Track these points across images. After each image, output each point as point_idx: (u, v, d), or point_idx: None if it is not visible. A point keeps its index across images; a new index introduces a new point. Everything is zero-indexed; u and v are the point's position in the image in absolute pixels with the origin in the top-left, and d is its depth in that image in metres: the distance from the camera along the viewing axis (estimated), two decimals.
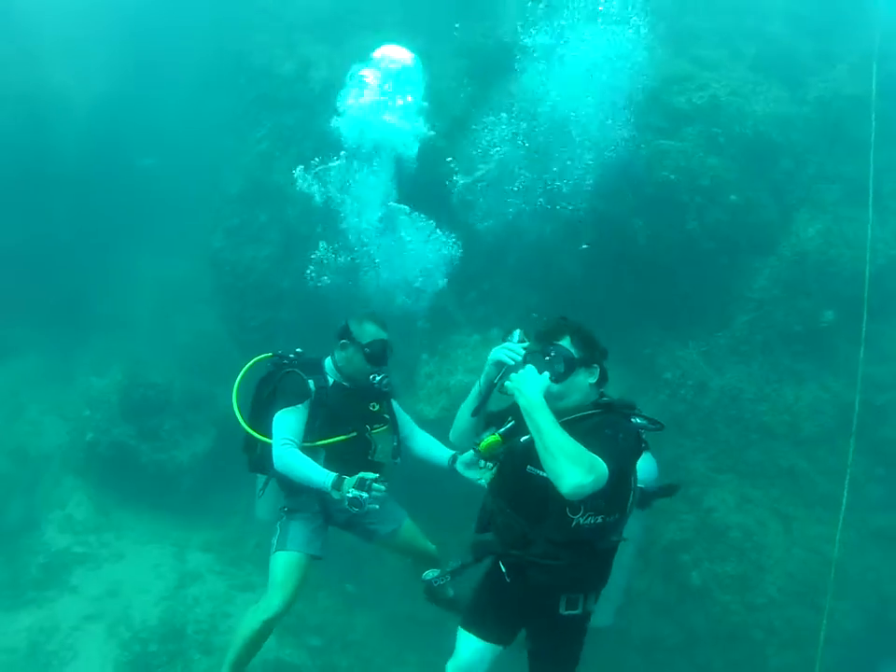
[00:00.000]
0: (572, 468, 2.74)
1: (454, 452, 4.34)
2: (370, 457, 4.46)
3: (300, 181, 7.35)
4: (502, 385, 3.19)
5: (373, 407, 4.47)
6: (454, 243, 7.12)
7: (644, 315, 7.24)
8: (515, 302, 7.52)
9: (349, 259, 7.17)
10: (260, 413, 4.34)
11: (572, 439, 2.84)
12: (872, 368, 7.18)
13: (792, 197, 7.76)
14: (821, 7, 9.67)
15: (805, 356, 7.35)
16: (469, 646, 3.64)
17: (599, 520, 3.08)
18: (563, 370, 3.16)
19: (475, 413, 3.42)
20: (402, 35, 7.61)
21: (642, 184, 7.16)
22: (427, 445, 4.64)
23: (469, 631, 3.65)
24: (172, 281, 11.24)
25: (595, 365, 3.28)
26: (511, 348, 3.27)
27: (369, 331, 4.33)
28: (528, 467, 3.16)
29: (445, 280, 7.19)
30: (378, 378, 4.30)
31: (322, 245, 7.31)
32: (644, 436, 3.21)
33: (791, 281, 7.34)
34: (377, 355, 4.30)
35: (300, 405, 4.16)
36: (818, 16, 9.64)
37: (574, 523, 3.05)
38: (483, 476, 3.58)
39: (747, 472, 7.22)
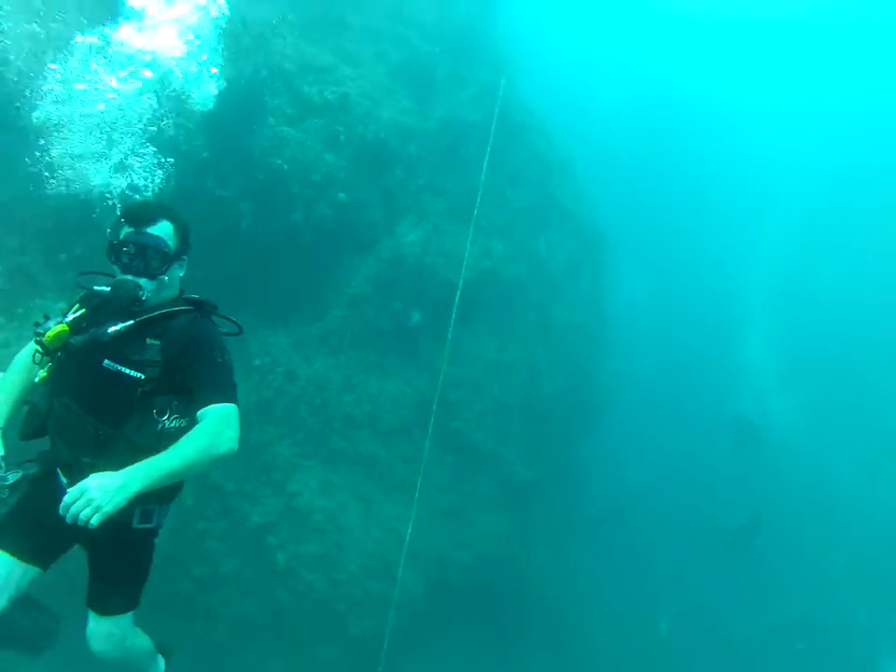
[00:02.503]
0: (216, 452, 2.84)
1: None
2: None
3: None
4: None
5: None
6: None
7: (239, 299, 7.63)
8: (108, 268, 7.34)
9: None
10: None
11: (184, 448, 2.80)
12: (450, 368, 8.53)
13: (400, 203, 8.85)
14: (463, 32, 11.10)
15: (392, 352, 8.47)
16: (4, 566, 3.17)
17: (184, 423, 3.01)
18: (157, 263, 3.05)
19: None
20: None
21: (254, 168, 7.57)
22: None
23: (6, 550, 3.16)
24: None
25: (185, 256, 3.20)
26: None
27: None
28: (105, 361, 2.97)
29: None
30: None
31: None
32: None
33: (386, 281, 8.40)
34: None
35: None
36: (459, 38, 11.04)
37: (161, 425, 2.97)
38: None
39: (330, 458, 8.10)
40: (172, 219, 3.14)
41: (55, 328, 3.05)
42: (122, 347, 2.96)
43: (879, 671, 12.33)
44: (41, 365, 3.17)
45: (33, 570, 3.21)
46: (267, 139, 7.87)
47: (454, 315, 7.53)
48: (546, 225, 10.37)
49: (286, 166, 7.75)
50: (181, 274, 3.21)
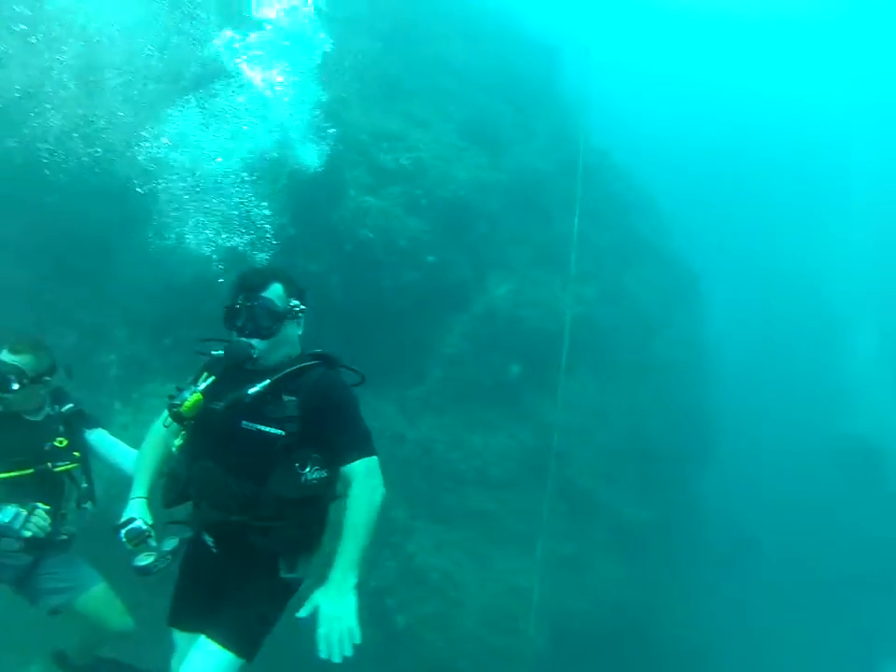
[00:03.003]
0: (377, 505, 3.01)
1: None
2: (71, 501, 4.19)
3: None
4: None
5: (60, 443, 4.18)
6: None
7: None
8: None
9: None
10: None
11: (357, 520, 2.96)
12: (555, 416, 8.45)
13: (487, 258, 8.95)
14: (525, 84, 11.32)
15: (494, 406, 8.45)
16: (186, 646, 3.37)
17: (325, 473, 3.14)
18: (267, 323, 3.16)
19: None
20: None
21: (341, 240, 7.79)
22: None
23: (182, 629, 3.42)
24: None
25: (301, 313, 3.28)
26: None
27: None
28: (243, 422, 3.10)
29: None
30: None
31: None
32: None
33: (482, 337, 8.46)
34: None
35: None
36: (521, 90, 11.26)
37: (304, 478, 3.08)
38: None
39: (443, 517, 8.09)
40: (282, 280, 3.24)
41: (191, 398, 3.16)
42: (260, 407, 3.07)
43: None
44: (175, 434, 3.29)
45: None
46: (350, 210, 8.11)
47: (563, 363, 7.49)
48: (633, 263, 10.30)
49: (371, 235, 7.97)
50: (298, 332, 3.27)
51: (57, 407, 4.27)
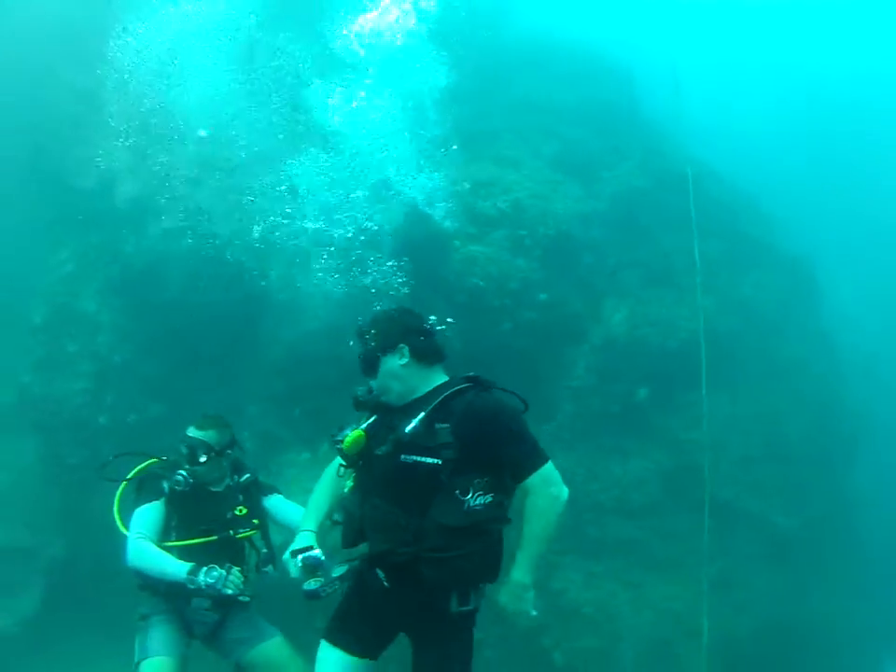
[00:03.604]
0: (558, 512, 3.26)
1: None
2: (251, 565, 4.57)
3: None
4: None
5: (240, 511, 4.59)
6: None
7: None
8: (340, 416, 7.83)
9: None
10: None
11: (538, 529, 3.24)
12: (690, 433, 8.39)
13: (598, 287, 9.02)
14: (608, 105, 11.36)
15: (626, 432, 8.45)
16: (332, 661, 3.48)
17: (489, 498, 3.17)
18: (364, 363, 3.44)
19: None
20: None
21: (454, 292, 8.05)
22: None
23: (334, 644, 3.49)
24: None
25: (401, 345, 3.38)
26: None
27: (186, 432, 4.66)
28: (402, 456, 3.19)
29: None
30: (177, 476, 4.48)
31: None
32: None
33: (605, 366, 8.50)
34: (184, 453, 4.56)
35: (156, 502, 4.41)
36: (605, 113, 11.30)
37: (466, 505, 3.13)
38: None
39: (589, 550, 8.07)
40: (377, 321, 3.51)
41: (352, 434, 3.34)
42: (415, 438, 3.19)
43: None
44: (345, 477, 3.49)
45: (366, 663, 3.51)
46: (458, 262, 8.34)
47: (704, 378, 7.35)
48: (747, 267, 10.09)
49: (482, 283, 8.16)
50: (400, 363, 3.37)
51: (236, 477, 4.70)
